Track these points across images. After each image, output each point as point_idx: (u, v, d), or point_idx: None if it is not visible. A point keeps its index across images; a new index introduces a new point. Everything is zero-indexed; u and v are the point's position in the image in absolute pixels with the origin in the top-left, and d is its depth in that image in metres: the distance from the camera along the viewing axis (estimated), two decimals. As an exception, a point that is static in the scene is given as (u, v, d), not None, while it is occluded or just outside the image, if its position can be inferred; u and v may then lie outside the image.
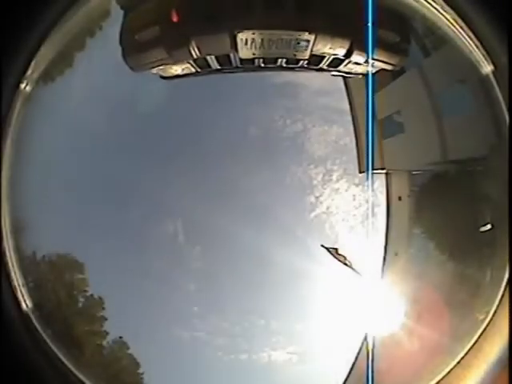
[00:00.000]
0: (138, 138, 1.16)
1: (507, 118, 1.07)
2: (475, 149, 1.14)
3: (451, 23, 1.10)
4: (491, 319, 1.07)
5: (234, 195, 1.11)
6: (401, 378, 1.12)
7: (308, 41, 1.15)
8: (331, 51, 1.16)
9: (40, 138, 1.13)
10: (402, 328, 1.10)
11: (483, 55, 1.08)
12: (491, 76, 1.10)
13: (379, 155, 1.13)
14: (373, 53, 1.12)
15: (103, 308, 1.12)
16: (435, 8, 1.11)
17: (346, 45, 1.15)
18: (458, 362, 1.08)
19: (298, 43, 1.15)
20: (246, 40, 1.14)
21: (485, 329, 1.07)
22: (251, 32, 1.14)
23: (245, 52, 1.15)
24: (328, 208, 1.13)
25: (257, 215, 1.10)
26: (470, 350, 1.07)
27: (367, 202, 1.12)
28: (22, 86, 1.07)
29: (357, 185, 1.13)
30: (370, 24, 1.07)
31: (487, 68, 1.09)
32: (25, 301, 1.07)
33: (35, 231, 1.13)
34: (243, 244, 1.09)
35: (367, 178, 1.11)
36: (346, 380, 1.12)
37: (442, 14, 1.11)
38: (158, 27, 1.17)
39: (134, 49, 1.17)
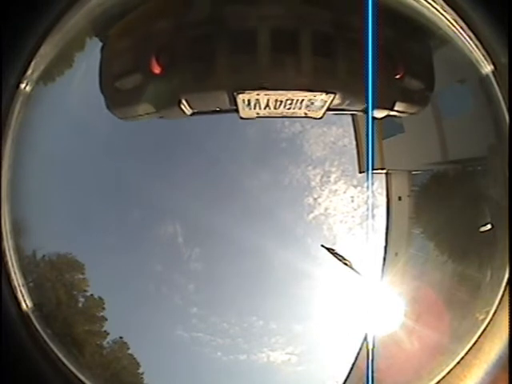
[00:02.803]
0: (137, 138, 1.16)
1: (507, 118, 1.07)
2: (475, 149, 1.14)
3: (451, 23, 1.10)
4: (491, 319, 1.07)
5: (232, 196, 1.11)
6: (401, 378, 1.12)
7: (325, 101, 1.05)
8: (349, 107, 1.09)
9: (40, 138, 1.13)
10: (401, 328, 1.10)
11: (483, 55, 1.08)
12: (491, 76, 1.09)
13: (379, 155, 1.12)
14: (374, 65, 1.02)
15: (103, 308, 1.12)
16: (435, 8, 1.11)
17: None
18: (458, 362, 1.08)
19: (312, 103, 1.06)
20: (249, 101, 1.04)
21: (485, 329, 1.07)
22: (255, 93, 1.03)
23: (247, 112, 1.06)
24: (326, 209, 1.13)
25: (255, 216, 1.10)
26: (470, 349, 1.07)
27: (367, 202, 1.12)
28: (22, 86, 1.07)
29: (355, 186, 1.13)
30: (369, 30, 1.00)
31: (487, 68, 1.09)
32: (25, 301, 1.07)
33: (35, 231, 1.13)
34: (242, 245, 1.09)
35: (367, 179, 1.11)
36: (345, 380, 1.13)
37: (441, 13, 1.11)
38: (140, 75, 1.08)
39: (116, 99, 1.11)
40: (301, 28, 1.06)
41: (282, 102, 1.05)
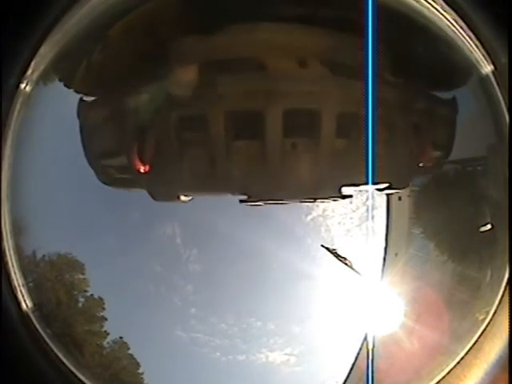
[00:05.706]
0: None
1: (507, 118, 1.07)
2: (475, 149, 1.14)
3: (451, 23, 1.10)
4: (491, 319, 1.07)
5: (231, 197, 1.11)
6: (401, 378, 1.12)
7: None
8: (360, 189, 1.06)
9: (40, 138, 1.13)
10: (401, 328, 1.10)
11: (483, 55, 1.08)
12: (491, 76, 1.09)
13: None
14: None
15: (103, 308, 1.13)
16: (435, 8, 1.11)
17: (383, 185, 1.06)
18: (458, 362, 1.08)
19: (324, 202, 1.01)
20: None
21: (485, 329, 1.07)
22: (262, 203, 0.96)
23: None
24: (324, 211, 1.12)
25: (253, 217, 1.10)
26: (470, 350, 1.07)
27: (366, 202, 1.12)
28: (22, 86, 1.07)
29: (354, 188, 1.12)
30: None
31: (487, 68, 1.09)
32: (25, 301, 1.08)
33: (35, 231, 1.13)
34: (240, 246, 1.09)
35: (367, 179, 1.11)
36: (345, 380, 1.12)
37: (441, 14, 1.10)
38: (126, 158, 1.00)
39: (106, 176, 1.06)
40: (322, 111, 0.92)
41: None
